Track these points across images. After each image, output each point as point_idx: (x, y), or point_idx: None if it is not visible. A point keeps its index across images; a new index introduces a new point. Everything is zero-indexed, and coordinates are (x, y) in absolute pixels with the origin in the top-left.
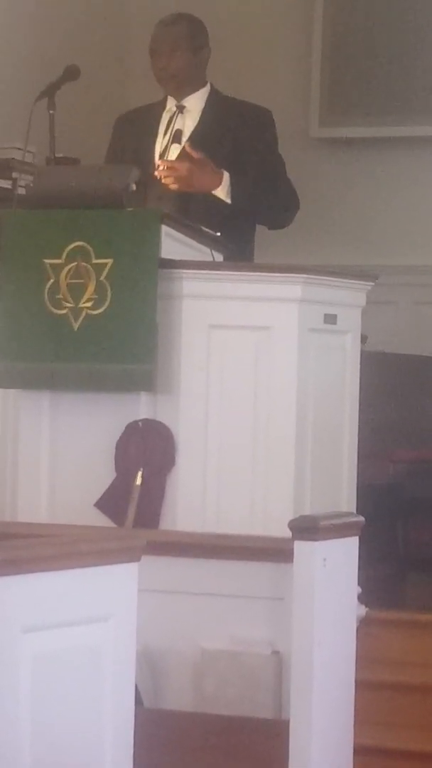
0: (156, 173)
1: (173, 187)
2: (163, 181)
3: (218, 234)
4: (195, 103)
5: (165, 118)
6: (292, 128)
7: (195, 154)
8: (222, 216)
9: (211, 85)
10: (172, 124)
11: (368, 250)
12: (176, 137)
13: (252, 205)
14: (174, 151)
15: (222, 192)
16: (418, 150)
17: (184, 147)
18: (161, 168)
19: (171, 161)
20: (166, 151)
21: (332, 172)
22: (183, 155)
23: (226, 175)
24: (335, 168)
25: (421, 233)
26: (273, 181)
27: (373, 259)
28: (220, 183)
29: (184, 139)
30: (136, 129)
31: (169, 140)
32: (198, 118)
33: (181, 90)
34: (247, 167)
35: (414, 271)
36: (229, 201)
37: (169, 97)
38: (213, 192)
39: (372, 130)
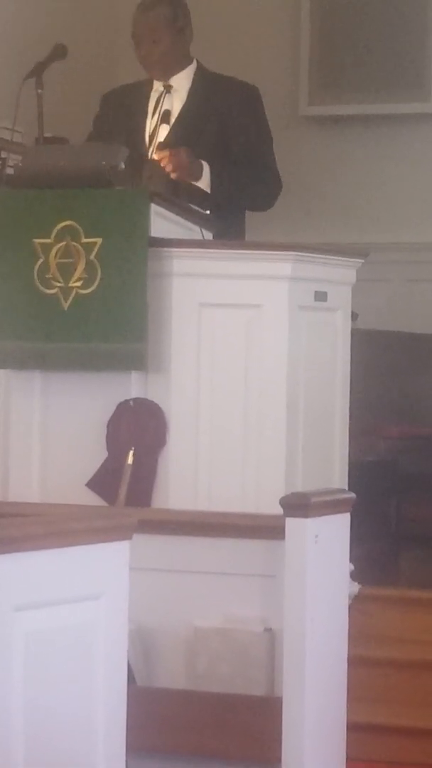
0: (157, 158)
1: (173, 175)
2: (167, 169)
3: (208, 212)
4: (182, 82)
5: (153, 97)
6: (281, 106)
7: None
8: (206, 201)
9: (198, 62)
10: (160, 104)
11: (358, 227)
12: (164, 118)
13: (233, 193)
14: (163, 132)
15: (203, 183)
16: (407, 127)
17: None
18: (162, 158)
19: (169, 151)
20: (155, 132)
21: (321, 150)
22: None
23: (206, 167)
24: (324, 146)
25: (411, 210)
26: (256, 164)
27: (363, 237)
28: (201, 174)
29: (173, 119)
30: (125, 108)
31: (157, 121)
32: (185, 98)
33: (168, 72)
34: (232, 145)
35: (404, 249)
36: (209, 191)
37: None
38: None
39: (361, 108)
